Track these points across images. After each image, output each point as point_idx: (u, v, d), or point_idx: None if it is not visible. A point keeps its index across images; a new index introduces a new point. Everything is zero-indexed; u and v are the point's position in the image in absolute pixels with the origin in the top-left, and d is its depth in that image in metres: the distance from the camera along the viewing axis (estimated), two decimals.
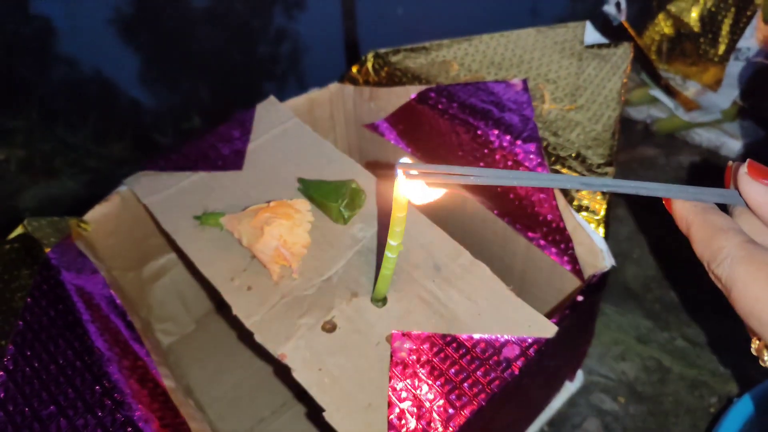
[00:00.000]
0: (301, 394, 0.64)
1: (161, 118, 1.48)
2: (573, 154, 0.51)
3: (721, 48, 0.95)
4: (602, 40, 0.62)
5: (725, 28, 0.95)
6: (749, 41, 0.96)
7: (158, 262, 0.63)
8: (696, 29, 0.96)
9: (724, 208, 0.29)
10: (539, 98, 0.56)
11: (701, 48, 0.97)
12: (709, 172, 0.97)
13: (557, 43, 0.61)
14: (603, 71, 0.58)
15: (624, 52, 0.60)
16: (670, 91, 1.00)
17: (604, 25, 1.01)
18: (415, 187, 0.33)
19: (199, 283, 0.68)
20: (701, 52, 0.97)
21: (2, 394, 0.38)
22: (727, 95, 0.99)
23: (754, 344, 0.28)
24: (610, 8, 1.00)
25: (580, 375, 0.68)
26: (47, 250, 0.46)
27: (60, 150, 1.15)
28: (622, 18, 0.98)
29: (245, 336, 0.72)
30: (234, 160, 0.56)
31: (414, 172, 0.32)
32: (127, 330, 0.43)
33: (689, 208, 0.28)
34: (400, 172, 0.32)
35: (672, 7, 0.96)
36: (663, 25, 0.99)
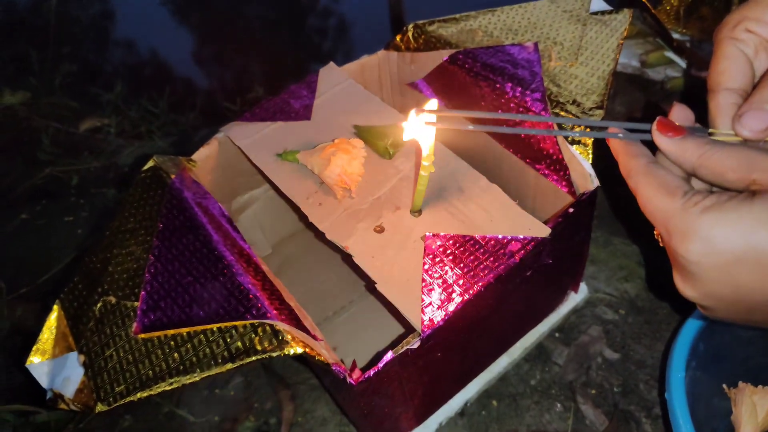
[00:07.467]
0: (363, 295, 0.80)
1: (228, 90, 1.65)
2: (570, 101, 0.64)
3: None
4: (606, 7, 0.74)
5: None
6: None
7: (243, 197, 0.80)
8: None
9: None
10: (547, 57, 0.69)
11: (717, 10, 1.06)
12: None
13: (566, 11, 0.73)
14: (603, 33, 0.70)
15: (623, 18, 0.72)
16: (683, 51, 1.09)
17: None
18: (419, 124, 0.48)
19: (277, 213, 0.84)
20: (717, 16, 1.06)
21: (153, 270, 0.55)
22: None
23: (656, 232, 0.38)
24: None
25: (584, 289, 0.81)
26: (172, 176, 0.63)
27: (146, 118, 1.33)
28: None
29: (311, 253, 0.88)
30: (304, 113, 0.71)
31: (430, 115, 0.46)
32: (233, 231, 0.59)
33: (617, 144, 0.40)
34: (413, 112, 0.46)
35: None
36: None
